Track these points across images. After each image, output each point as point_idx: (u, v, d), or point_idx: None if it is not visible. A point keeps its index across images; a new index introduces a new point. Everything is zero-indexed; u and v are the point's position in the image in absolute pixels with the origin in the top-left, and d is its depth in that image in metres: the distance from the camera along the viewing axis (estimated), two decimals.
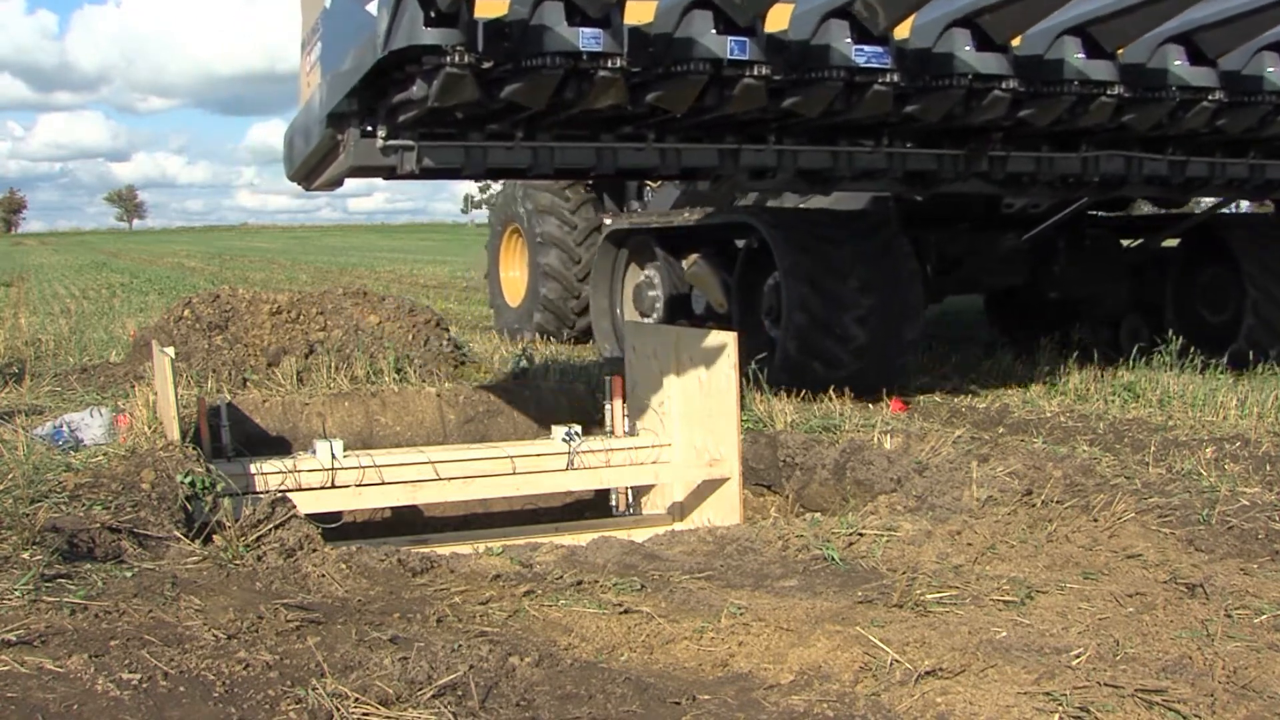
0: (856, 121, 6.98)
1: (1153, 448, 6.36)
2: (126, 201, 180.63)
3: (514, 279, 14.51)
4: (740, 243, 10.03)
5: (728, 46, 5.80)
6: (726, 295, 10.15)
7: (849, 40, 6.11)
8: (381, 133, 6.26)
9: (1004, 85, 6.47)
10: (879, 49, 6.17)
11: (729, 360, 6.39)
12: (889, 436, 6.39)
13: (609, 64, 5.60)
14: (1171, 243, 11.16)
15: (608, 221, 12.29)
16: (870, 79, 6.24)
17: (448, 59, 5.34)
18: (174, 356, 6.06)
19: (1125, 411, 7.88)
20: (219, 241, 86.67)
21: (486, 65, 5.50)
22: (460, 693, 2.90)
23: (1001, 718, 2.85)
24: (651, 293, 11.28)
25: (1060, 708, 2.86)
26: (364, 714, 2.75)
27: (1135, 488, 5.15)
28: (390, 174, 6.57)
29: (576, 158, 6.96)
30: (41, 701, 2.68)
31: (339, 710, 2.75)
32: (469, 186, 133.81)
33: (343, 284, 14.59)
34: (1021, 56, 6.52)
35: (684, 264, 10.81)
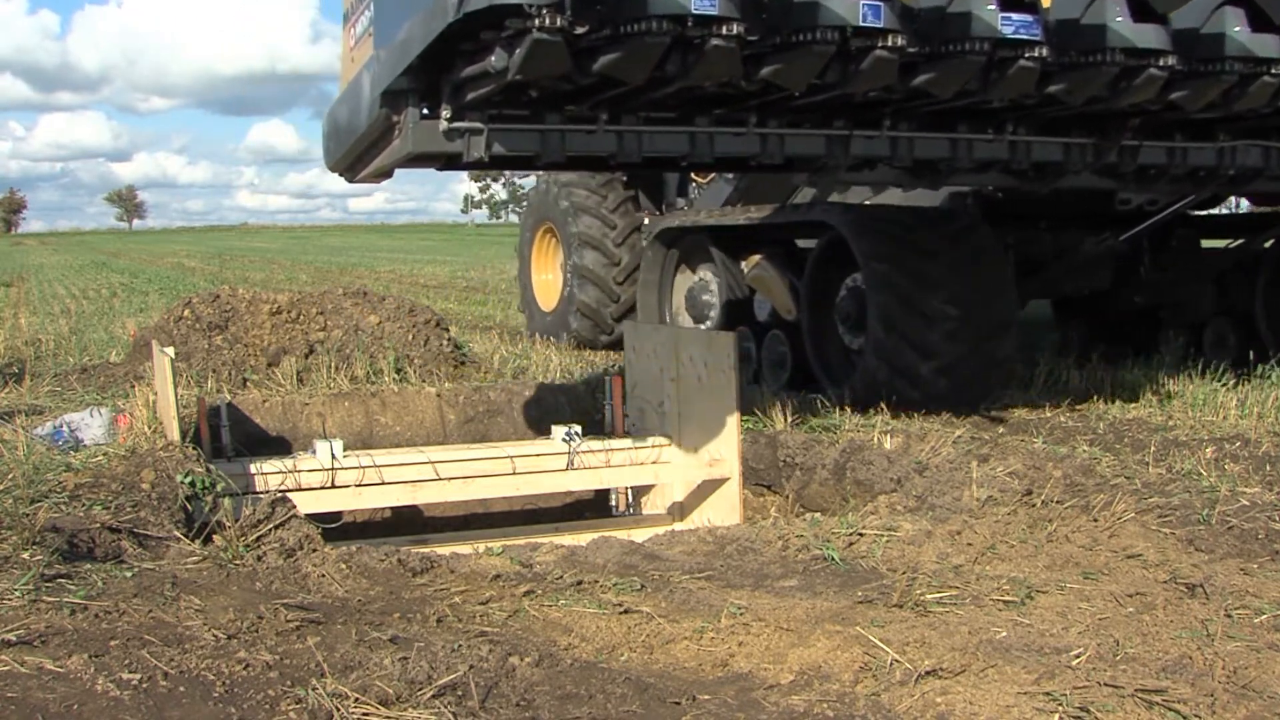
0: (985, 104, 6.19)
1: (1153, 448, 6.36)
2: (126, 201, 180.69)
3: (547, 282, 13.56)
4: (809, 243, 9.12)
5: (860, 11, 5.02)
6: (794, 301, 9.20)
7: (993, 7, 5.29)
8: (445, 113, 5.51)
9: (1160, 63, 5.64)
10: (1028, 18, 5.35)
11: (729, 360, 6.38)
12: (889, 436, 6.40)
13: (723, 30, 4.82)
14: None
15: (646, 221, 11.52)
16: (1015, 53, 5.45)
17: (534, 22, 4.62)
18: (174, 356, 6.06)
19: (1125, 411, 7.87)
20: (219, 241, 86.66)
21: (580, 30, 4.79)
22: (460, 693, 2.90)
23: (1001, 718, 2.85)
24: (706, 297, 10.29)
25: (1060, 708, 2.86)
26: (364, 714, 2.75)
27: (1135, 488, 5.16)
28: (453, 162, 5.92)
29: (668, 144, 6.23)
30: (41, 701, 2.68)
31: (339, 710, 2.75)
32: (470, 186, 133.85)
33: (343, 284, 14.59)
34: (1177, 30, 5.74)
35: (744, 266, 9.88)
